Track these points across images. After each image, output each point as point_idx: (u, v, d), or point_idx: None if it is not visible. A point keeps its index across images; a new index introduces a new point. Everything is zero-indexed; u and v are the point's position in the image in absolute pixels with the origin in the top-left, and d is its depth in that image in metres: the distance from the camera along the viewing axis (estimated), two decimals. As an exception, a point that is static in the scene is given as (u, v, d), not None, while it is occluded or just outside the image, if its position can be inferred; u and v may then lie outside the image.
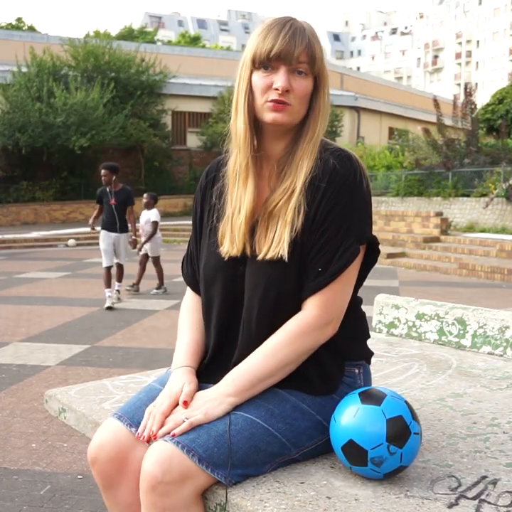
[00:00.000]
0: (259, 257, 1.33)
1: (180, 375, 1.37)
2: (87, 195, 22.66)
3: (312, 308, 1.31)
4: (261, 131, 1.37)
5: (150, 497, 1.19)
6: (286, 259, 1.30)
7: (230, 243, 1.37)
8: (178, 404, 1.30)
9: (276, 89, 1.28)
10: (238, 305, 1.39)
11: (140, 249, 8.35)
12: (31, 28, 38.65)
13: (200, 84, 25.87)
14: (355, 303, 1.45)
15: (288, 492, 1.19)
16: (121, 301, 7.82)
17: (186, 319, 1.51)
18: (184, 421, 1.24)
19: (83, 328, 6.34)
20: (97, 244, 8.18)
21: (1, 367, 4.90)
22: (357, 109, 28.68)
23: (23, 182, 21.62)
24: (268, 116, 1.31)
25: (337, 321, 1.34)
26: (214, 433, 1.22)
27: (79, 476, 2.99)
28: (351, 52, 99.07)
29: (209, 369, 1.42)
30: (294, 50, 1.27)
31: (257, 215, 1.37)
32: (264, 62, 1.29)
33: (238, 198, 1.37)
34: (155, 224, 8.22)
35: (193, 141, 25.76)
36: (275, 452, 1.27)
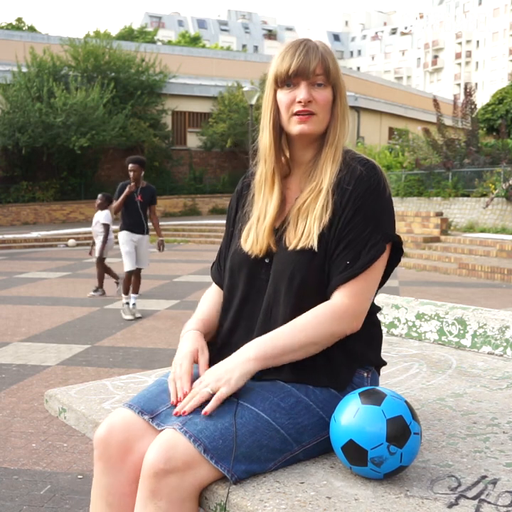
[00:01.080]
0: (290, 248, 1.41)
1: (192, 338, 1.45)
2: (87, 195, 22.67)
3: (344, 297, 1.37)
4: (291, 141, 1.48)
5: (149, 483, 1.20)
6: (316, 249, 1.38)
7: (253, 243, 1.46)
8: (196, 362, 1.40)
9: (300, 102, 1.40)
10: (260, 295, 1.45)
11: (91, 253, 8.18)
12: (31, 28, 38.66)
13: (200, 85, 25.87)
14: (373, 309, 1.50)
15: (288, 492, 1.19)
16: (139, 316, 6.93)
17: (206, 299, 1.61)
18: (209, 393, 1.28)
19: (83, 328, 6.34)
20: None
21: (2, 367, 4.90)
22: (357, 109, 28.67)
23: (23, 182, 21.62)
24: (295, 128, 1.42)
25: (363, 316, 1.40)
26: (220, 425, 1.24)
27: (79, 476, 2.99)
28: (351, 52, 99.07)
29: (221, 353, 1.46)
30: (310, 65, 1.39)
31: (284, 215, 1.47)
32: (285, 81, 1.42)
33: (264, 204, 1.48)
34: (105, 226, 7.94)
35: (193, 141, 25.76)
36: (277, 448, 1.28)
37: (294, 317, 1.38)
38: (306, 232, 1.40)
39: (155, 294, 8.38)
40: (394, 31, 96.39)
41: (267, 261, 1.45)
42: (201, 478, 1.21)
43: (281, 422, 1.30)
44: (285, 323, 1.37)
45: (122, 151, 23.50)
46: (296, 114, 1.41)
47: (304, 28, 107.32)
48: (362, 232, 1.37)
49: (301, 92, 1.39)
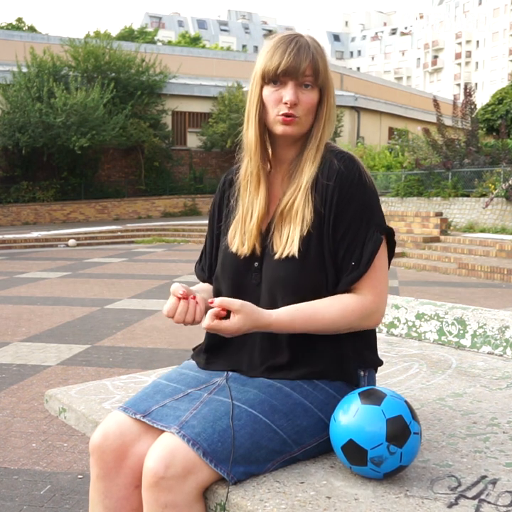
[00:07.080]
0: (276, 256, 1.41)
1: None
2: (87, 195, 22.67)
3: (367, 294, 1.38)
4: (274, 139, 1.47)
5: (152, 493, 1.20)
6: (297, 257, 1.38)
7: (240, 243, 1.46)
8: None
9: (286, 103, 1.38)
10: (251, 299, 1.43)
11: None
12: (32, 29, 38.63)
13: (200, 85, 25.86)
14: None
15: (288, 492, 1.19)
16: None
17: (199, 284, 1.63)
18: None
19: (83, 328, 6.34)
20: (97, 244, 8.11)
21: (2, 366, 4.90)
22: (357, 109, 28.67)
23: (23, 182, 21.62)
24: (279, 128, 1.41)
25: (385, 308, 1.43)
26: (218, 427, 1.24)
27: (79, 476, 2.99)
28: (351, 53, 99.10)
29: (208, 359, 1.47)
30: (300, 66, 1.37)
31: (270, 216, 1.46)
32: (272, 78, 1.39)
33: (250, 203, 1.47)
34: None
35: (193, 141, 25.75)
36: (276, 449, 1.28)
37: None
38: (289, 238, 1.40)
39: (155, 294, 8.39)
40: (394, 31, 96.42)
41: (256, 265, 1.44)
42: (203, 480, 1.21)
43: (280, 423, 1.30)
44: None
45: (122, 151, 23.50)
46: (282, 114, 1.39)
47: (303, 28, 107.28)
48: (357, 229, 1.38)
49: (288, 93, 1.37)
